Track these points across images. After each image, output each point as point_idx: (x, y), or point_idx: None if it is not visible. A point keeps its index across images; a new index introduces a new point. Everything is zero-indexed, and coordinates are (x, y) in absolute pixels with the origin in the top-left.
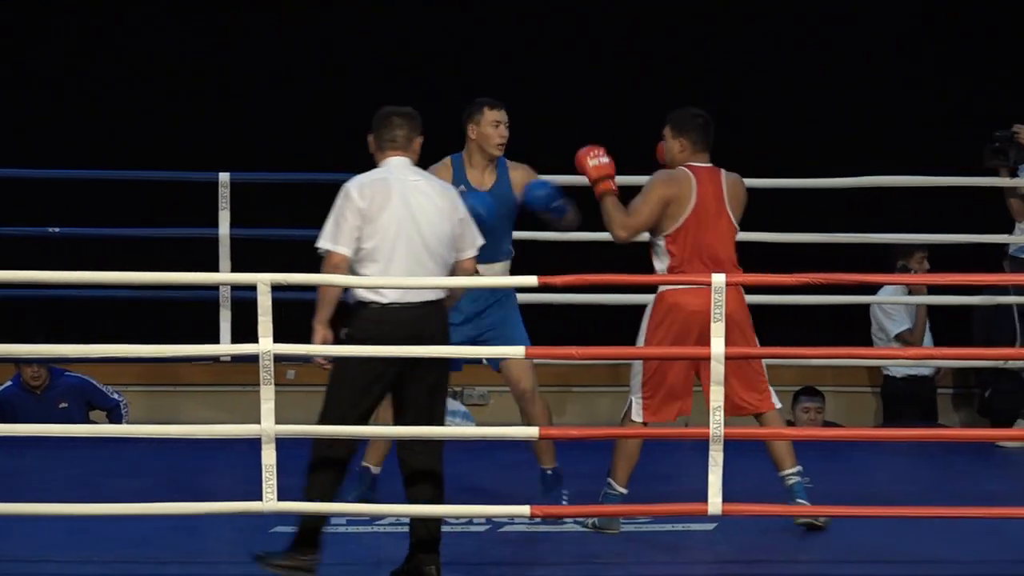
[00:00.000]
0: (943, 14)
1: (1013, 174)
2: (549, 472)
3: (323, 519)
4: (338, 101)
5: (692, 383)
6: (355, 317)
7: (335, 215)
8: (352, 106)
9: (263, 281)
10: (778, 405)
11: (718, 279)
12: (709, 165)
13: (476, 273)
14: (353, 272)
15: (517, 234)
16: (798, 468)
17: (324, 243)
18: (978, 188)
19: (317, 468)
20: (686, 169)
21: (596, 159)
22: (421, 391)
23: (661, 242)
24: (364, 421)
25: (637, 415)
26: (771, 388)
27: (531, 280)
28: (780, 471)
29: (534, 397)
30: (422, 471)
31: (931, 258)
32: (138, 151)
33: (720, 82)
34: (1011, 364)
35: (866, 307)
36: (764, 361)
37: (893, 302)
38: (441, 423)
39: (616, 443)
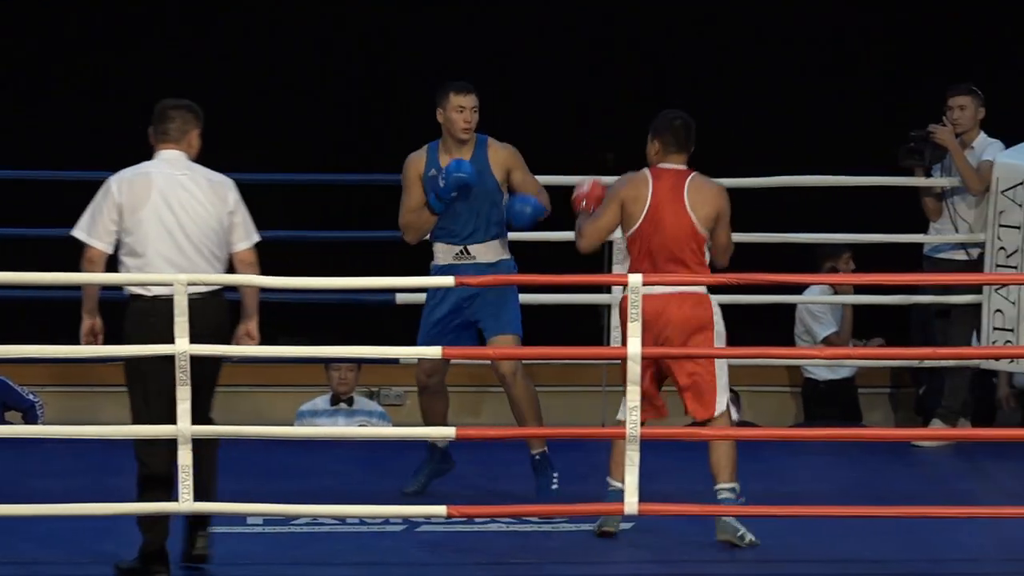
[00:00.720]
0: (862, 15)
1: (928, 174)
2: (537, 456)
3: (164, 534)
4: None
5: (658, 386)
6: (126, 311)
7: (92, 208)
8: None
9: (180, 281)
10: (718, 411)
11: (634, 279)
12: (678, 167)
13: (254, 265)
14: (122, 266)
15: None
16: (734, 485)
17: (79, 233)
18: (897, 188)
19: (144, 485)
20: (647, 171)
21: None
22: (198, 386)
23: (623, 244)
24: (169, 419)
25: (621, 413)
26: (722, 395)
27: (448, 280)
28: (715, 483)
29: (515, 380)
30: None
31: (854, 258)
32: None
33: (645, 82)
34: (927, 363)
35: (787, 307)
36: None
37: (808, 301)
38: (205, 419)
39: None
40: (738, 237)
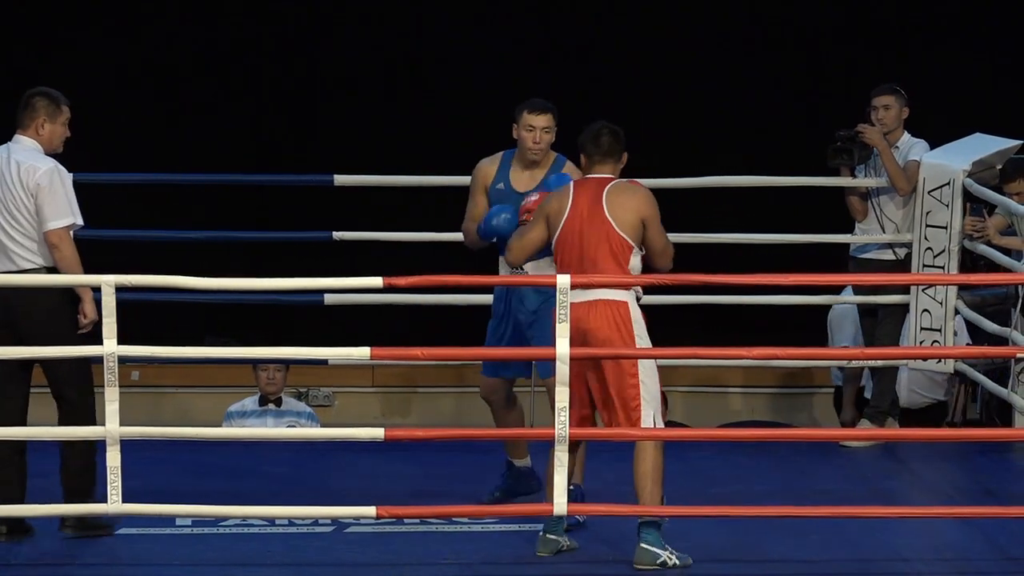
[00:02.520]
0: (789, 15)
1: (853, 174)
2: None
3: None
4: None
5: (591, 406)
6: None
7: None
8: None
9: (107, 282)
10: (645, 425)
11: (562, 280)
12: (602, 176)
13: (56, 246)
14: None
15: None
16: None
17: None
18: (821, 188)
19: None
20: (571, 183)
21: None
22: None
23: (552, 255)
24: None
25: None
26: (646, 411)
27: (376, 281)
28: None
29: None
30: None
31: (779, 259)
32: None
33: (569, 82)
34: (854, 364)
35: (720, 306)
36: None
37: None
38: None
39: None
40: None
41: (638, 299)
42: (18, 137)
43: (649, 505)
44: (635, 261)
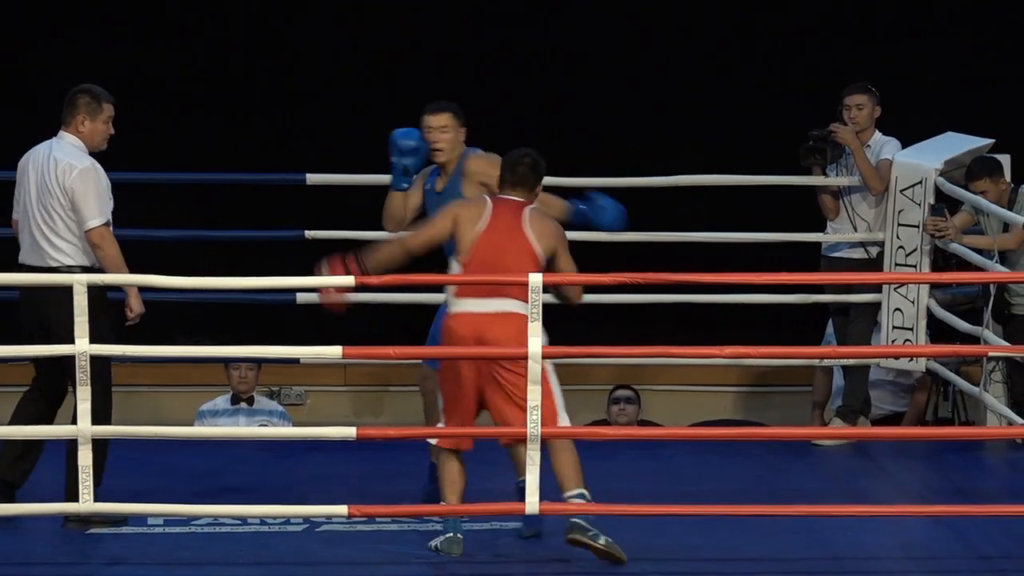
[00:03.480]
0: (762, 13)
1: (824, 172)
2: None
3: None
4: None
5: (475, 413)
6: None
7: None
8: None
9: (79, 281)
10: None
11: (535, 279)
12: (516, 199)
13: (97, 245)
14: None
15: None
16: (582, 491)
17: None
18: (793, 187)
19: None
20: (487, 197)
21: None
22: None
23: (455, 262)
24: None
25: (565, 419)
26: (563, 415)
27: (348, 280)
28: (563, 492)
29: None
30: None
31: (753, 258)
32: None
33: (535, 80)
34: (827, 362)
35: (694, 305)
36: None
37: (711, 301)
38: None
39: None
40: (638, 236)
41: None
42: (61, 134)
43: (575, 486)
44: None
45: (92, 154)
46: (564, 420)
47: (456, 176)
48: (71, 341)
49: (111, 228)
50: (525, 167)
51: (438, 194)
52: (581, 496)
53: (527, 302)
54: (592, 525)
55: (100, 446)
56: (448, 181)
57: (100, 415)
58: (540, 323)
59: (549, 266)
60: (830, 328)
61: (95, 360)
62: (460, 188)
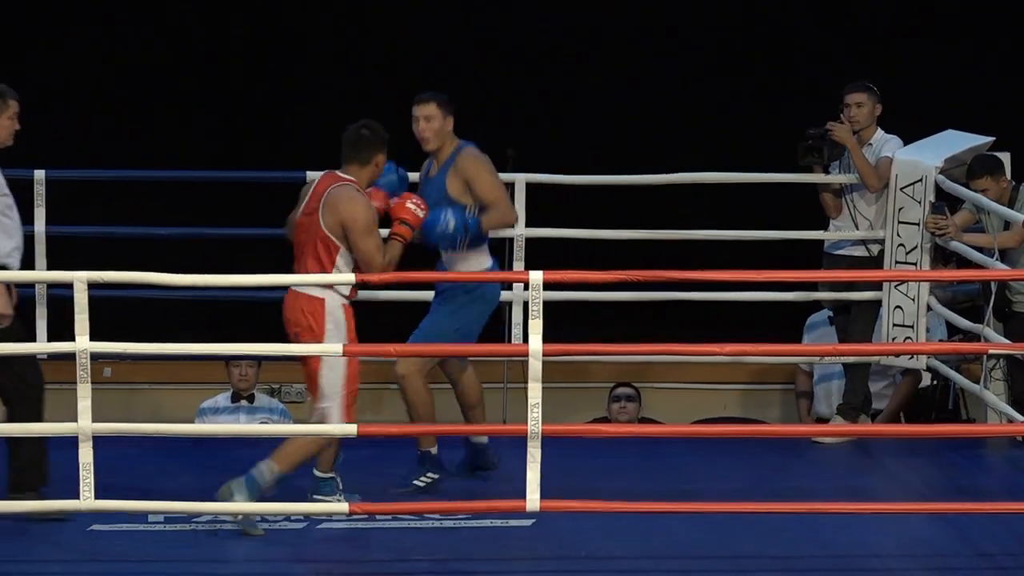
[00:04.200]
0: (762, 10)
1: (826, 171)
2: (421, 452)
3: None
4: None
5: None
6: None
7: None
8: (167, 106)
9: (79, 279)
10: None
11: (535, 276)
12: (338, 174)
13: None
14: None
15: None
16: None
17: None
18: (797, 185)
19: None
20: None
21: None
22: None
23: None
24: None
25: (336, 419)
26: (323, 404)
27: (349, 277)
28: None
29: (407, 383)
30: None
31: (755, 256)
32: None
33: (534, 79)
34: (826, 360)
35: (694, 303)
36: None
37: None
38: None
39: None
40: (639, 234)
41: (349, 297)
42: None
43: (286, 460)
44: (341, 261)
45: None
46: (323, 414)
47: (446, 166)
48: None
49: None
50: (353, 137)
51: (428, 179)
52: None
53: (319, 284)
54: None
55: (39, 444)
56: (439, 169)
57: (32, 415)
58: (540, 320)
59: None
60: (815, 317)
61: (18, 361)
62: (445, 178)
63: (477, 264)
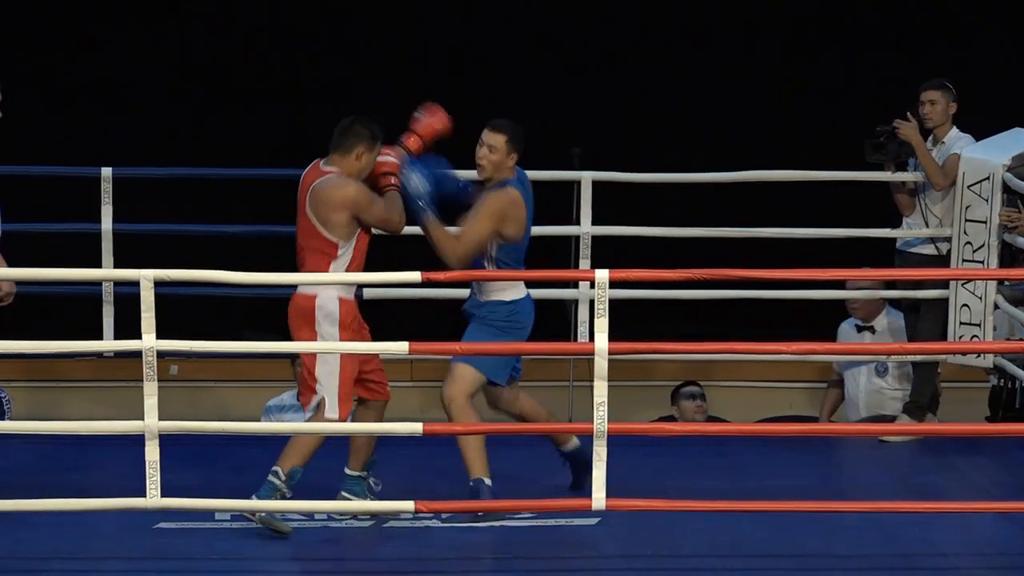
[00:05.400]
0: (830, 9)
1: (904, 168)
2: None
3: None
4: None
5: None
6: None
7: None
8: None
9: (146, 277)
10: (307, 410)
11: (601, 275)
12: (320, 168)
13: None
14: None
15: None
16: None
17: None
18: (872, 183)
19: None
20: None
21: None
22: None
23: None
24: None
25: (332, 411)
26: (320, 395)
27: (414, 276)
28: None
29: (450, 408)
30: None
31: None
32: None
33: (600, 78)
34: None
35: (756, 301)
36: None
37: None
38: None
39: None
40: (706, 232)
41: (358, 296)
42: None
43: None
44: (343, 250)
45: None
46: (312, 410)
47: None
48: None
49: None
50: (339, 128)
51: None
52: (276, 474)
53: (316, 283)
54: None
55: None
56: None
57: None
58: (606, 319)
59: (349, 232)
60: (844, 325)
61: None
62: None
63: (512, 295)
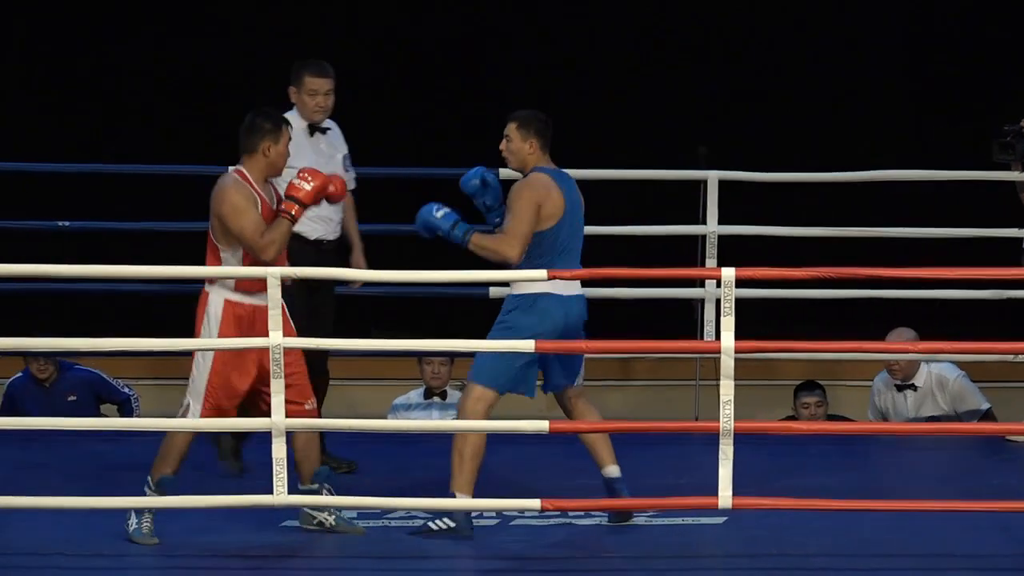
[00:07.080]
0: (951, 9)
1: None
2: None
3: None
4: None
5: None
6: None
7: None
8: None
9: (273, 275)
10: (180, 411)
11: (727, 273)
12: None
13: None
14: None
15: None
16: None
17: None
18: (989, 182)
19: None
20: None
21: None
22: None
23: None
24: None
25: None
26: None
27: (541, 274)
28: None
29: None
30: None
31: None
32: (143, 146)
33: (725, 77)
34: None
35: (880, 300)
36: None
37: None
38: None
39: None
40: (831, 232)
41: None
42: None
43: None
44: (225, 255)
45: None
46: (184, 411)
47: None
48: None
49: None
50: (244, 126)
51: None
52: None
53: (213, 282)
54: (316, 511)
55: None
56: None
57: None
58: (732, 317)
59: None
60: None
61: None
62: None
63: (523, 289)
